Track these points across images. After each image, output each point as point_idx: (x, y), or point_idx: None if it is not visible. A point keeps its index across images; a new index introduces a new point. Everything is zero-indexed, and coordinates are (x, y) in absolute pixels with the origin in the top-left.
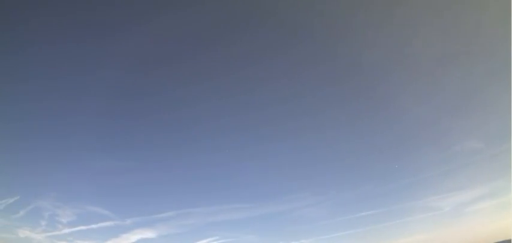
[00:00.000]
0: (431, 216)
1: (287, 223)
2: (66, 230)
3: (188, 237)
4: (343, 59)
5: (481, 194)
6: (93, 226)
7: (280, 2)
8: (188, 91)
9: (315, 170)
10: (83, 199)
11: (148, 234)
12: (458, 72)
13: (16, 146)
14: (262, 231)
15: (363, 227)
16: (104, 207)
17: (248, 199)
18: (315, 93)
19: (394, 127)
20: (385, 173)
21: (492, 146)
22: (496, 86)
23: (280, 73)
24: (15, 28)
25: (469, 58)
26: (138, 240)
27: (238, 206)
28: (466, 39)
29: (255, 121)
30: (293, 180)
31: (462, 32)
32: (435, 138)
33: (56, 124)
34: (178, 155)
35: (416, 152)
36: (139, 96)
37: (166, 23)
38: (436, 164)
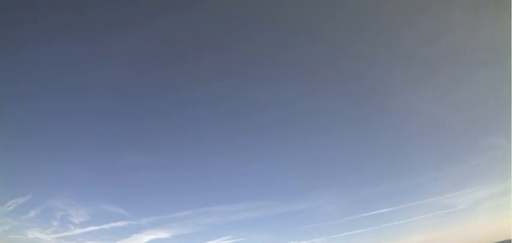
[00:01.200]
0: (431, 217)
1: (298, 222)
2: (78, 231)
3: (202, 237)
4: (352, 58)
5: (481, 194)
6: (106, 226)
7: (285, 4)
8: (202, 90)
9: (326, 170)
10: (97, 198)
11: (162, 234)
12: (459, 72)
13: (29, 145)
14: (273, 230)
15: (365, 228)
16: (118, 206)
17: (259, 198)
18: (326, 92)
19: (394, 129)
20: (384, 174)
21: (492, 146)
22: (496, 86)
23: (288, 73)
24: (26, 27)
25: (469, 59)
26: (151, 240)
27: (251, 205)
28: (467, 39)
29: (269, 121)
30: (304, 179)
31: (462, 32)
32: (435, 138)
33: (70, 122)
34: (194, 155)
35: (417, 153)
36: (154, 94)
37: (176, 22)
38: (437, 164)
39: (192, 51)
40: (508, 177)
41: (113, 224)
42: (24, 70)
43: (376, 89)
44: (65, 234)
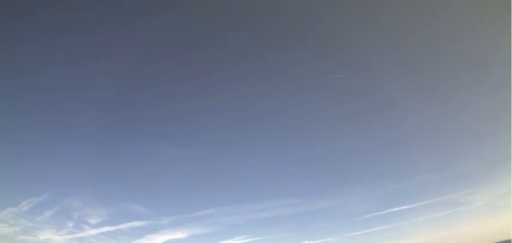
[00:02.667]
0: (432, 217)
1: (313, 221)
2: (93, 231)
3: (217, 236)
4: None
5: (481, 194)
6: (122, 226)
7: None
8: (232, 92)
9: (340, 169)
10: (116, 197)
11: (179, 234)
12: (459, 73)
13: (47, 142)
14: (289, 229)
15: (366, 229)
16: (137, 205)
17: (275, 197)
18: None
19: (392, 129)
20: (384, 175)
21: (492, 147)
22: (497, 86)
23: (300, 73)
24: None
25: (469, 59)
26: (168, 240)
27: (267, 204)
28: (467, 39)
29: (289, 119)
30: (320, 178)
31: (463, 32)
32: (434, 139)
33: (90, 119)
34: (217, 153)
35: (417, 154)
36: (175, 89)
37: (186, 13)
38: (437, 165)
39: (222, 37)
40: (508, 177)
41: (129, 224)
42: (37, 65)
43: (379, 89)
44: (78, 235)
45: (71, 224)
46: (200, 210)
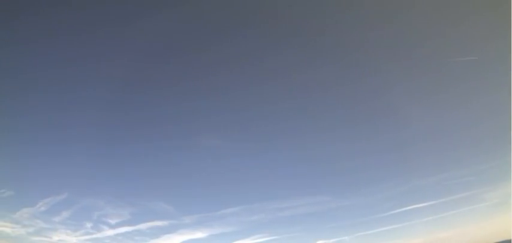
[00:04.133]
0: (431, 218)
1: (327, 220)
2: (110, 232)
3: (232, 236)
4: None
5: (481, 194)
6: (142, 226)
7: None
8: (255, 90)
9: (355, 168)
10: (139, 197)
11: (198, 234)
12: (458, 73)
13: (70, 139)
14: (303, 229)
15: (365, 230)
16: (161, 205)
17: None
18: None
19: (392, 131)
20: (383, 176)
21: (492, 146)
22: (497, 86)
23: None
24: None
25: (468, 58)
26: (188, 240)
27: (283, 205)
28: (467, 40)
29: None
30: (332, 178)
31: (463, 33)
32: (434, 139)
33: (113, 115)
34: (237, 151)
35: (415, 154)
36: (203, 89)
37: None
38: (436, 166)
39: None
40: (508, 177)
41: (149, 224)
42: (53, 63)
43: (386, 91)
44: (95, 235)
45: (89, 225)
46: (218, 210)
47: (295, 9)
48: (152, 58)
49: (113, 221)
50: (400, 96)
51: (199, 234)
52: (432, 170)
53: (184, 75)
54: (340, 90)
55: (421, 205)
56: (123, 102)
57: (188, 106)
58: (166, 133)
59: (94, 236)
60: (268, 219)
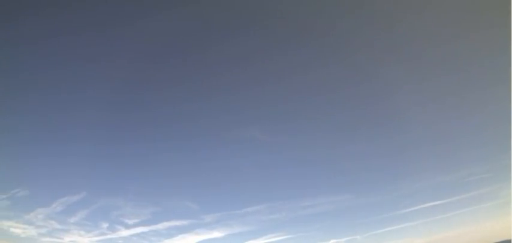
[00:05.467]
0: (431, 218)
1: (341, 218)
2: (125, 233)
3: (249, 235)
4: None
5: (481, 194)
6: (159, 226)
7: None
8: (271, 88)
9: (368, 169)
10: (156, 197)
11: (215, 233)
12: (457, 73)
13: (91, 138)
14: (317, 228)
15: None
16: (187, 203)
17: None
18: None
19: (392, 132)
20: (382, 178)
21: (492, 146)
22: (497, 86)
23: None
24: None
25: (468, 59)
26: (204, 240)
27: (298, 204)
28: (469, 42)
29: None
30: (346, 178)
31: (466, 35)
32: (434, 140)
33: (133, 114)
34: (251, 151)
35: (415, 155)
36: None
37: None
38: (437, 166)
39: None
40: (508, 177)
41: (167, 224)
42: (76, 60)
43: (388, 95)
44: (109, 236)
45: (105, 225)
46: (239, 209)
47: (301, 11)
48: (170, 57)
49: (130, 221)
50: (407, 98)
51: (216, 234)
52: (435, 172)
53: (203, 74)
54: (351, 92)
55: (424, 206)
56: (144, 101)
57: (211, 105)
58: (189, 132)
59: (108, 236)
60: (286, 218)
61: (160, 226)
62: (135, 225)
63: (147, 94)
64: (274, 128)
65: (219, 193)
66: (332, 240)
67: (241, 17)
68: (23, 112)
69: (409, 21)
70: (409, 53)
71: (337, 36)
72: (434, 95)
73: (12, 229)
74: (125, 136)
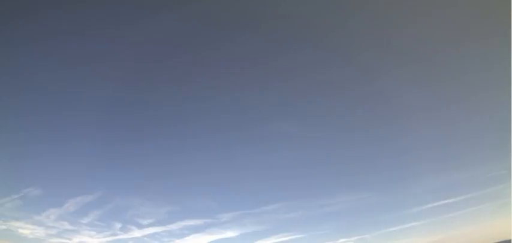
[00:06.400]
0: (431, 219)
1: (350, 218)
2: (137, 233)
3: (260, 235)
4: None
5: (481, 194)
6: (173, 226)
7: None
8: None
9: (376, 168)
10: (183, 195)
11: (229, 233)
12: (459, 76)
13: (107, 138)
14: (329, 227)
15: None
16: (206, 201)
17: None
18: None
19: (392, 131)
20: (382, 179)
21: (492, 146)
22: (497, 87)
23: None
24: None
25: (469, 62)
26: (216, 239)
27: (306, 204)
28: (471, 43)
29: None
30: (356, 178)
31: (467, 36)
32: (434, 140)
33: (144, 117)
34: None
35: (417, 156)
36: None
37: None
38: (437, 167)
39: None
40: (508, 177)
41: (182, 223)
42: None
43: (390, 92)
44: (119, 237)
45: (118, 226)
46: (250, 209)
47: (304, 13)
48: (182, 55)
49: (145, 221)
50: (414, 100)
51: (230, 233)
52: (436, 173)
53: (216, 72)
54: (362, 93)
55: (426, 206)
56: (162, 100)
57: (231, 103)
58: (209, 131)
59: (119, 237)
60: (298, 217)
61: (174, 226)
62: (149, 225)
63: (165, 93)
64: (296, 126)
65: (237, 192)
66: (342, 239)
67: (241, 17)
68: (41, 111)
69: (416, 23)
70: (418, 54)
71: (346, 37)
72: (437, 97)
73: (20, 230)
74: (143, 136)
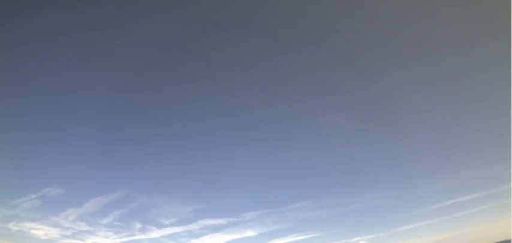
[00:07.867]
0: (431, 219)
1: (364, 217)
2: (155, 234)
3: (273, 235)
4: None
5: (481, 194)
6: (193, 226)
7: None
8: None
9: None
10: (207, 194)
11: (249, 232)
12: (459, 77)
13: (132, 137)
14: (342, 226)
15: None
16: (231, 200)
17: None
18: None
19: (391, 132)
20: (382, 180)
21: (492, 146)
22: (497, 88)
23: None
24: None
25: (470, 63)
26: (234, 239)
27: (319, 204)
28: (471, 44)
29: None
30: (368, 178)
31: (468, 38)
32: (434, 141)
33: (167, 117)
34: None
35: (417, 156)
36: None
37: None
38: (437, 167)
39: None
40: (508, 177)
41: (203, 222)
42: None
43: (392, 93)
44: (136, 237)
45: (138, 226)
46: (280, 207)
47: (305, 13)
48: (191, 52)
49: (167, 221)
50: (402, 102)
51: (250, 233)
52: (438, 174)
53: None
54: (368, 93)
55: (428, 207)
56: (182, 99)
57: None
58: (235, 128)
59: (135, 238)
60: (305, 218)
61: (195, 225)
62: (171, 224)
63: (183, 90)
64: (317, 126)
65: (260, 191)
66: (355, 238)
67: (241, 17)
68: (59, 110)
69: (416, 24)
70: (420, 55)
71: (346, 38)
72: (437, 97)
73: (32, 231)
74: (169, 133)
